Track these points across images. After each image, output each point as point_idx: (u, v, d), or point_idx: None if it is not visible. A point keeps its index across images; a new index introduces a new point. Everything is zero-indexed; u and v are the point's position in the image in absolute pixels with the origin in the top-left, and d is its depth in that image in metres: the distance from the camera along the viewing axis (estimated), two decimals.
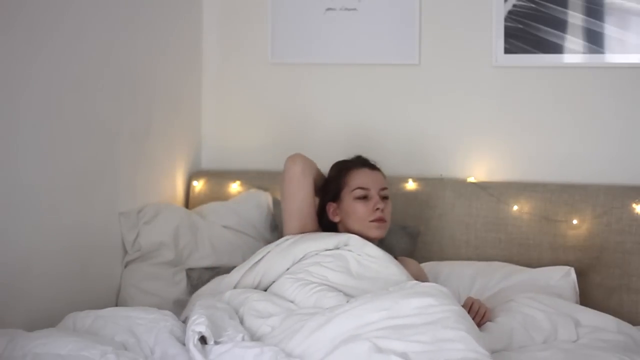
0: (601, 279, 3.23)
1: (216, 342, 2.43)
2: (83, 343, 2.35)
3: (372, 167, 3.09)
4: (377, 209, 2.98)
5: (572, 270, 3.18)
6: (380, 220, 2.98)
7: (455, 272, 3.23)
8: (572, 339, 2.72)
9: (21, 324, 2.75)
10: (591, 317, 2.87)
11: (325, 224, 3.06)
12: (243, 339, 2.45)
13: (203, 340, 2.43)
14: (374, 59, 3.63)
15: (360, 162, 3.09)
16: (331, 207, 3.05)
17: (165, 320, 2.58)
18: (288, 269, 2.88)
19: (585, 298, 3.20)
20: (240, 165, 3.78)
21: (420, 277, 3.02)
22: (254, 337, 2.57)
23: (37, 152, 2.89)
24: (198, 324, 2.43)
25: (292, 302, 2.75)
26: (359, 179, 3.03)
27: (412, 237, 3.39)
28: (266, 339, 2.54)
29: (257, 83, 3.78)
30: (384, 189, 3.03)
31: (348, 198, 3.01)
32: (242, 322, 2.65)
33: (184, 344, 2.46)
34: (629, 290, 3.20)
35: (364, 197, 3.00)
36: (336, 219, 3.04)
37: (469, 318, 2.44)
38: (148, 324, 2.55)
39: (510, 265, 3.27)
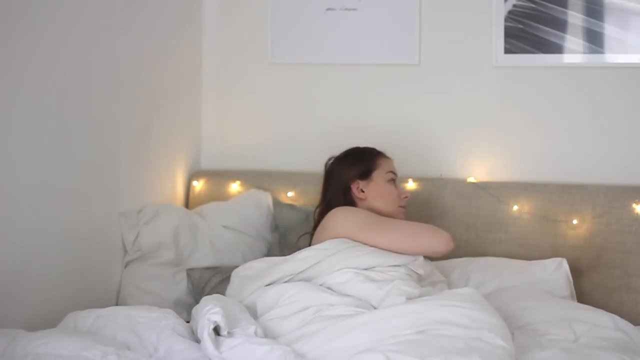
0: (601, 279, 3.23)
1: (229, 334, 2.43)
2: (84, 343, 2.35)
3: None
4: (406, 197, 3.13)
5: (564, 261, 3.17)
6: (404, 207, 3.12)
7: (449, 267, 3.22)
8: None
9: (21, 324, 2.75)
10: (587, 314, 2.87)
11: (343, 201, 3.06)
12: (255, 333, 2.45)
13: (215, 332, 2.43)
14: (374, 59, 3.63)
15: (381, 152, 3.19)
16: (359, 185, 3.08)
17: (167, 318, 2.58)
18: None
19: (585, 298, 3.20)
20: (240, 165, 3.78)
21: None
22: (272, 334, 2.57)
23: (37, 152, 2.89)
24: (214, 313, 2.43)
25: (349, 295, 2.74)
26: (390, 165, 3.16)
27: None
28: (282, 337, 2.55)
29: (257, 83, 3.78)
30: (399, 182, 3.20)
31: (381, 179, 3.09)
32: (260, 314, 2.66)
33: (189, 340, 2.46)
34: (629, 290, 3.20)
35: (394, 182, 3.12)
36: (361, 196, 3.07)
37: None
38: (150, 323, 2.55)
39: (504, 260, 3.27)
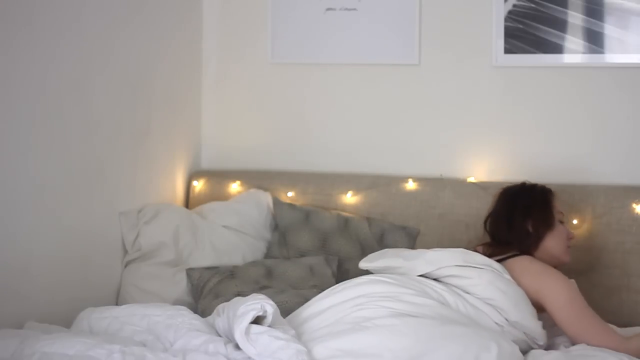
0: (601, 279, 3.23)
1: (269, 328, 2.42)
2: (91, 343, 2.35)
3: None
4: (571, 237, 3.04)
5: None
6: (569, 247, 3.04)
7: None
8: None
9: (20, 324, 2.75)
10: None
11: (528, 245, 2.97)
12: (293, 335, 2.44)
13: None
14: (374, 59, 3.63)
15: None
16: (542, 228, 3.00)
17: (183, 315, 2.58)
18: None
19: (586, 298, 3.19)
20: (240, 165, 3.78)
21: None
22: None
23: (37, 151, 2.89)
24: (269, 304, 2.41)
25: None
26: (558, 203, 3.05)
27: (411, 237, 3.39)
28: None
29: (257, 83, 3.78)
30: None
31: (556, 220, 3.01)
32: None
33: (207, 334, 2.47)
34: (629, 290, 3.20)
35: (562, 222, 3.03)
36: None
37: None
38: (166, 321, 2.54)
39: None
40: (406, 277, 2.76)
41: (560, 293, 2.81)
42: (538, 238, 2.96)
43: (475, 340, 2.46)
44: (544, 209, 3.00)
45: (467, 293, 2.75)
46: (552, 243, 2.97)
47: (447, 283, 2.77)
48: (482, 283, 2.75)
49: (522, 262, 2.89)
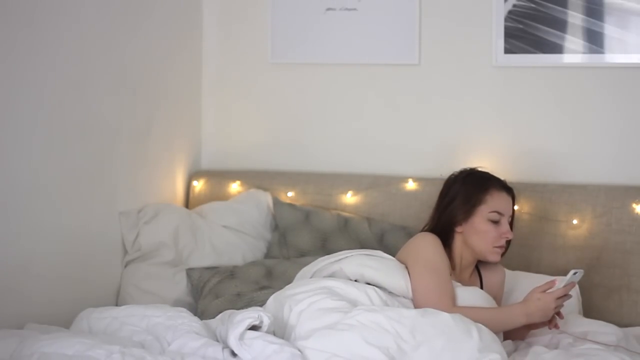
0: (601, 279, 3.23)
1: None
2: (90, 343, 2.35)
3: (509, 190, 3.00)
4: (505, 237, 2.95)
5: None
6: (502, 247, 2.96)
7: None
8: None
9: (20, 324, 2.76)
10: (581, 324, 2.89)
11: (441, 228, 2.98)
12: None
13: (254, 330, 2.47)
14: (374, 59, 3.63)
15: (501, 184, 3.00)
16: (461, 223, 2.98)
17: (182, 317, 2.58)
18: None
19: (586, 298, 3.20)
20: (240, 165, 3.78)
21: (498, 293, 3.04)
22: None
23: (37, 151, 2.89)
24: (266, 316, 2.47)
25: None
26: (498, 202, 2.95)
27: (411, 237, 3.38)
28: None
29: (257, 83, 3.78)
30: (512, 215, 2.99)
31: (481, 216, 2.93)
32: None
33: (205, 337, 2.48)
34: (629, 290, 3.20)
35: (496, 222, 2.94)
36: (459, 230, 2.96)
37: None
38: (166, 322, 2.54)
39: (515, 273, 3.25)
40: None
41: (411, 251, 2.91)
42: (446, 229, 2.97)
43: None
44: (464, 204, 2.96)
45: (351, 280, 2.81)
46: (471, 239, 2.94)
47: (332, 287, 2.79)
48: (349, 267, 2.84)
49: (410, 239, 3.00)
